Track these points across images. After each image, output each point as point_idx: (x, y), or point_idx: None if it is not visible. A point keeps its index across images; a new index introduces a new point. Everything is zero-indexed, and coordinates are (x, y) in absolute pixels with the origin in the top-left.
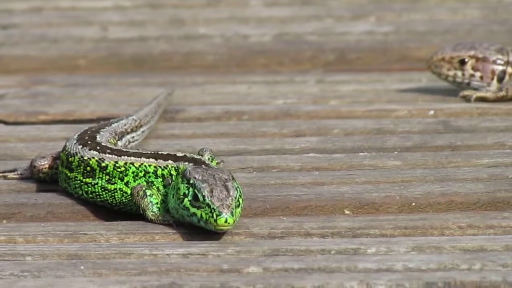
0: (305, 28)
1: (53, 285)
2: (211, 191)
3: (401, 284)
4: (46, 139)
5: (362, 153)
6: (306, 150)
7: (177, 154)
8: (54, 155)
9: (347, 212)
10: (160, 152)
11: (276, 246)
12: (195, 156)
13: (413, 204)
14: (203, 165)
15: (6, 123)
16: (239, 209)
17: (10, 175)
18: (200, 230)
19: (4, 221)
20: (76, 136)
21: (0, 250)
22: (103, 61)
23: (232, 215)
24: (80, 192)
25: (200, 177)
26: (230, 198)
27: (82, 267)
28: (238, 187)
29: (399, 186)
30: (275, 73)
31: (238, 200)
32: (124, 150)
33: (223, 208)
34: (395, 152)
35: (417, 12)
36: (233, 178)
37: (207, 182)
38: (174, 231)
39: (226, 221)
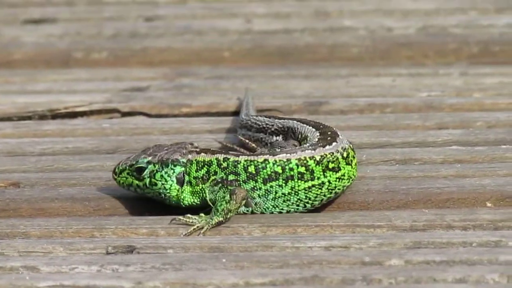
0: (449, 20)
1: (194, 278)
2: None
3: None
4: (189, 132)
5: (504, 146)
6: (448, 142)
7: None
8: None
9: (489, 204)
10: None
11: (418, 238)
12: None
13: None
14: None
15: (149, 115)
16: (123, 173)
17: None
18: (342, 223)
19: (147, 213)
20: None
21: (142, 243)
22: (248, 53)
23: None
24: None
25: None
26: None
27: (224, 260)
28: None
29: None
30: (419, 65)
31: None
32: None
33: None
34: None
35: None
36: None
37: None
38: (316, 223)
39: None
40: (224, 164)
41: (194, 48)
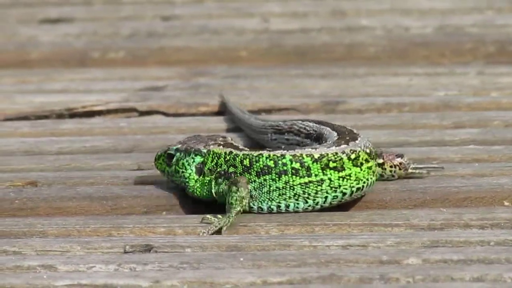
0: (466, 20)
1: (212, 277)
2: None
3: None
4: (206, 131)
5: None
6: (466, 141)
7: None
8: None
9: (506, 203)
10: None
11: (436, 237)
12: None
13: None
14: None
15: (166, 114)
16: (160, 159)
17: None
18: (360, 222)
19: (164, 212)
20: None
21: (159, 242)
22: (265, 52)
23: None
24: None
25: None
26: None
27: (241, 259)
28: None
29: None
30: (436, 64)
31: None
32: None
33: None
34: None
35: None
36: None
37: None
38: (334, 222)
39: None
40: (228, 158)
41: (211, 47)
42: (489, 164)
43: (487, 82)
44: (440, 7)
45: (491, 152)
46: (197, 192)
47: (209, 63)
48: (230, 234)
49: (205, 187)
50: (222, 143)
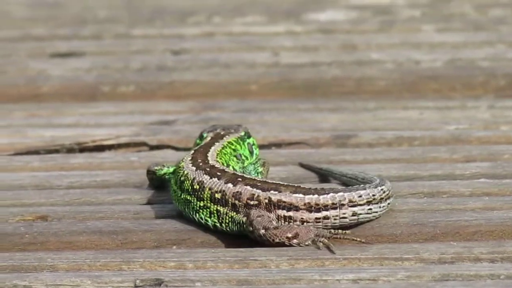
0: (477, 53)
1: None
2: None
3: None
4: None
5: None
6: (476, 175)
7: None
8: None
9: None
10: None
11: (446, 271)
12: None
13: None
14: None
15: (176, 148)
16: None
17: None
18: (370, 255)
19: (174, 246)
20: None
21: (170, 276)
22: (275, 86)
23: None
24: None
25: None
26: None
27: None
28: None
29: None
30: (447, 98)
31: None
32: None
33: None
34: None
35: None
36: None
37: None
38: (344, 256)
39: None
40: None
41: (221, 81)
42: (499, 198)
43: (498, 116)
44: (451, 41)
45: (501, 185)
46: None
47: (219, 96)
48: (240, 268)
49: None
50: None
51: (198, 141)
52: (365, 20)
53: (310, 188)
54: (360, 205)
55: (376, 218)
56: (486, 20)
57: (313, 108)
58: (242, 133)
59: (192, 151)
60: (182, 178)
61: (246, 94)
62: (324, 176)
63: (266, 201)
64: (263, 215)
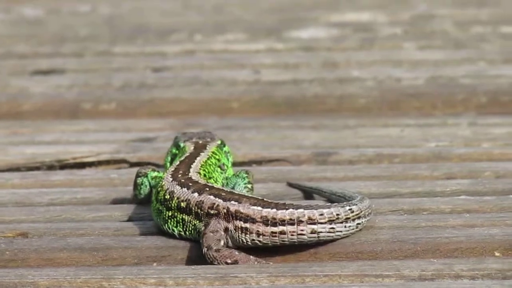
0: (458, 71)
1: None
2: None
3: None
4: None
5: None
6: (457, 192)
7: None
8: None
9: (497, 254)
10: None
11: None
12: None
13: None
14: None
15: (157, 165)
16: None
17: None
18: (350, 272)
19: (155, 263)
20: None
21: None
22: (256, 103)
23: None
24: None
25: None
26: None
27: None
28: None
29: None
30: (428, 115)
31: None
32: None
33: None
34: None
35: None
36: None
37: None
38: (325, 273)
39: None
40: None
41: (202, 98)
42: (480, 215)
43: (479, 133)
44: (432, 58)
45: (482, 202)
46: None
47: (200, 114)
48: (220, 285)
49: None
50: None
51: (174, 150)
52: (346, 37)
53: (272, 202)
54: (321, 223)
55: (343, 237)
56: (467, 37)
57: (294, 125)
58: (219, 142)
59: (177, 162)
60: (159, 189)
61: (227, 111)
62: (310, 194)
63: (225, 211)
64: (216, 231)
